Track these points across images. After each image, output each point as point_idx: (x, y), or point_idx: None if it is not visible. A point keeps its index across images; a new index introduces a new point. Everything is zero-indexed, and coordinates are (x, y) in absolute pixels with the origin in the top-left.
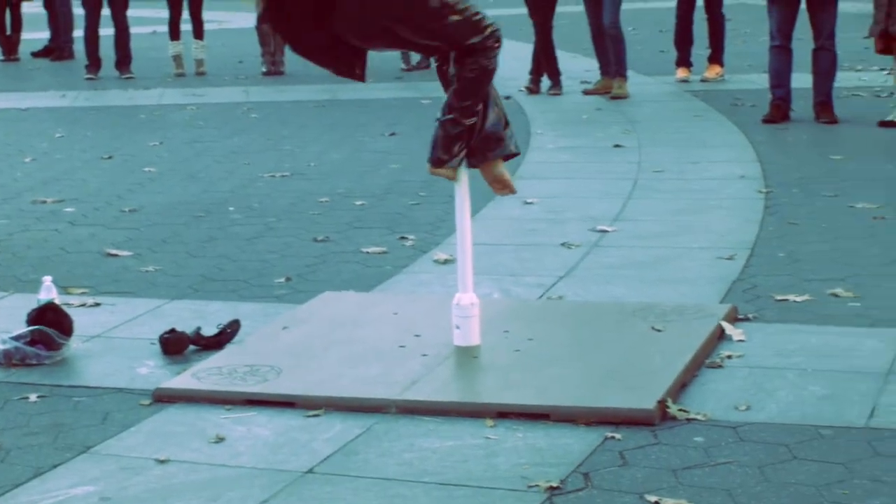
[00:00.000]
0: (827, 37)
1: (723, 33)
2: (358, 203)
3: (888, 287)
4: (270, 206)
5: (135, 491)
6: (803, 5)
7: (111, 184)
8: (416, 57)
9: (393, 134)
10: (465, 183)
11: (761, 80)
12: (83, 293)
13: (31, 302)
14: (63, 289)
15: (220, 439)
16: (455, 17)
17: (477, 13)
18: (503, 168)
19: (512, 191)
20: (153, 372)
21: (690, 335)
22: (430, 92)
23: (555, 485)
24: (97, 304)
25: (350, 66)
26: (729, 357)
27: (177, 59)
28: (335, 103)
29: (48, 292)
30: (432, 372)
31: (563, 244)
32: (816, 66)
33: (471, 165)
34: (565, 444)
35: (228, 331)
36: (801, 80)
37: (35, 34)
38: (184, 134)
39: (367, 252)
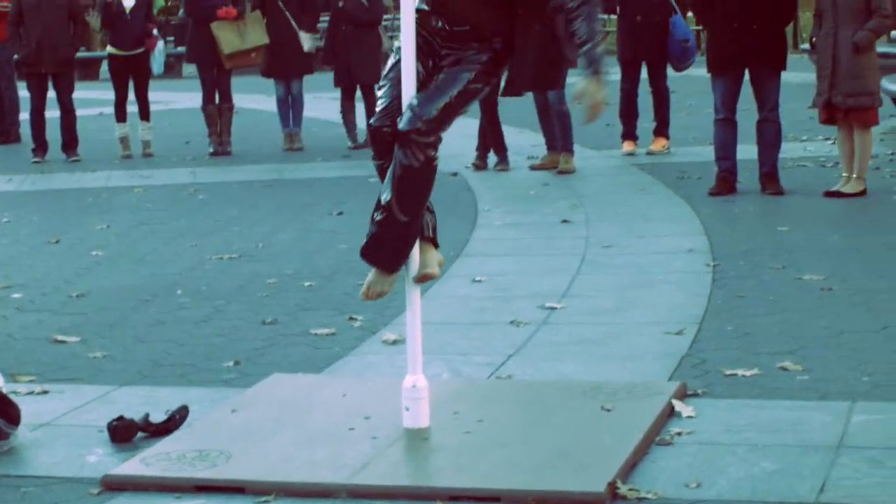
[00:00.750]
0: (771, 108)
1: (667, 106)
2: (306, 284)
3: (836, 359)
4: (218, 288)
5: None
6: (747, 77)
7: (58, 268)
8: (362, 135)
9: (340, 213)
10: (414, 263)
11: (707, 153)
12: (31, 381)
13: None
14: (10, 376)
15: None
16: None
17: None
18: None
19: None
20: (102, 460)
21: (640, 414)
22: None
23: None
24: (45, 392)
25: None
26: (679, 434)
27: (123, 140)
28: (282, 183)
29: None
30: (382, 455)
31: (511, 322)
32: (761, 137)
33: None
34: None
35: (177, 417)
36: (747, 151)
37: None
38: (131, 216)
39: (316, 334)
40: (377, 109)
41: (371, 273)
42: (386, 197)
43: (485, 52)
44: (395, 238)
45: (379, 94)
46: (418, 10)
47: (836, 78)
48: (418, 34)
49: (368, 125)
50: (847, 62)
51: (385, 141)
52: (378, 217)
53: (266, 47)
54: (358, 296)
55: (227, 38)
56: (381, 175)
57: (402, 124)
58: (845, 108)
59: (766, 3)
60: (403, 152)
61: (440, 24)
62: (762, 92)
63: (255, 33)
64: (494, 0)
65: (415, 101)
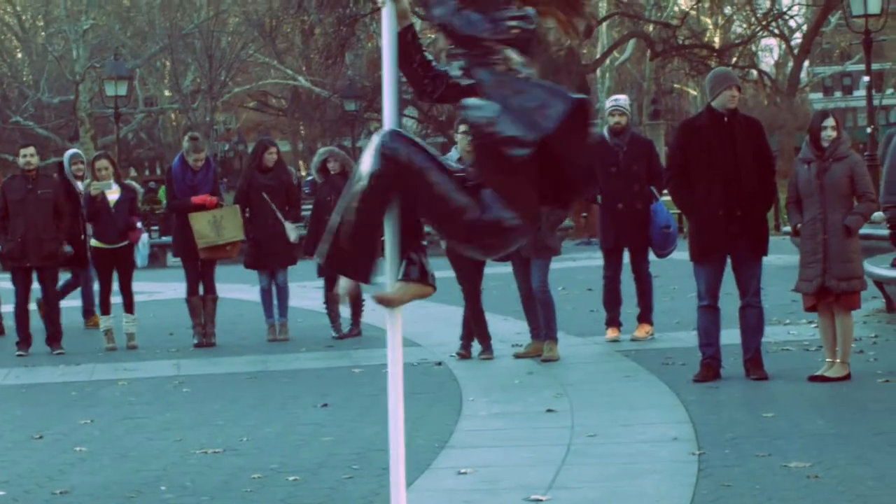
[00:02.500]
0: (753, 294)
1: (650, 292)
2: (291, 479)
3: None
4: (203, 484)
5: None
6: (729, 263)
7: (42, 465)
8: (346, 324)
9: (325, 405)
10: (400, 459)
11: (691, 338)
12: None
13: None
14: None
15: None
16: None
17: None
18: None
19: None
20: None
21: None
22: (362, 360)
23: None
24: None
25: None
26: None
27: (108, 333)
28: (267, 374)
29: None
30: None
31: None
32: (744, 323)
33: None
34: None
35: None
36: (731, 335)
37: None
38: (115, 411)
39: None
40: None
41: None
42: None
43: None
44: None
45: None
46: None
47: (828, 262)
48: None
49: None
50: (839, 246)
51: None
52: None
53: (250, 240)
54: (343, 490)
55: (203, 230)
56: None
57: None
58: (837, 292)
59: (746, 190)
60: None
61: None
62: (744, 278)
63: (230, 228)
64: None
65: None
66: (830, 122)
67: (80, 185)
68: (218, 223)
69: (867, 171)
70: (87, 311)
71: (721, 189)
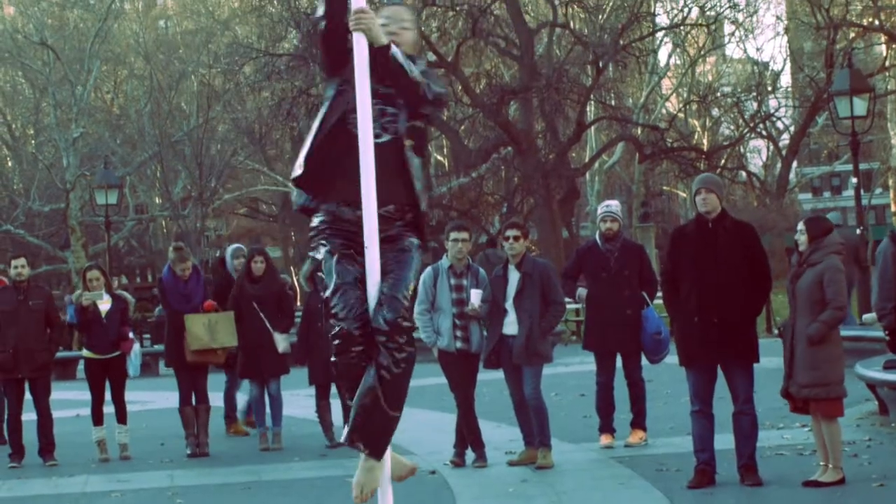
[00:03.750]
0: (744, 401)
1: (644, 397)
2: None
3: None
4: None
5: None
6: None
7: None
8: (339, 433)
9: None
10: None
11: (685, 443)
12: None
13: None
14: None
15: None
16: None
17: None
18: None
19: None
20: None
21: None
22: (355, 469)
23: None
24: None
25: None
26: None
27: (101, 444)
28: (260, 484)
29: None
30: None
31: None
32: (737, 429)
33: None
34: None
35: None
36: (725, 440)
37: None
38: None
39: None
40: (339, 316)
41: (358, 471)
42: (370, 383)
43: (409, 228)
44: (381, 424)
45: (334, 303)
46: (331, 214)
47: (793, 369)
48: (340, 236)
49: (338, 331)
50: (803, 353)
51: (354, 343)
52: (364, 402)
53: (241, 349)
54: None
55: (198, 333)
56: (346, 392)
57: (387, 315)
58: (802, 399)
59: (725, 296)
60: (388, 350)
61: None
62: (733, 385)
63: (224, 333)
64: (402, 178)
65: (388, 290)
66: (801, 227)
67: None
68: (213, 327)
69: (840, 278)
70: (229, 417)
71: (698, 295)
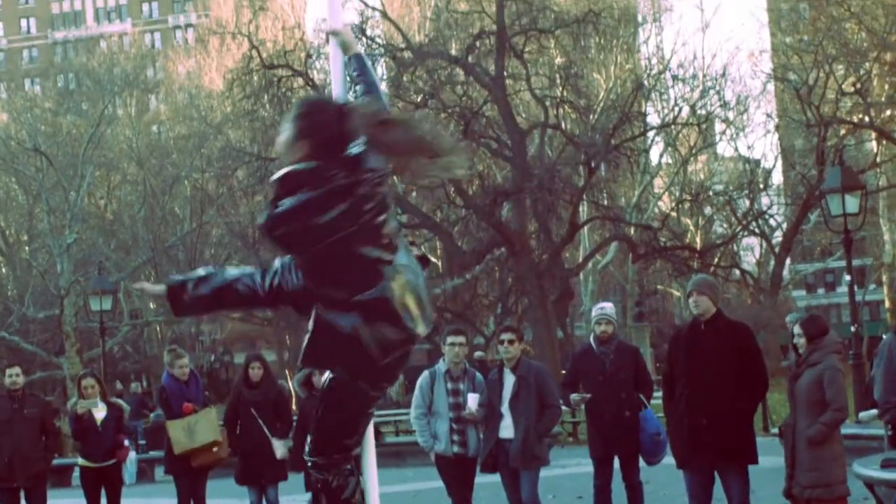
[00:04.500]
0: None
1: (641, 501)
2: None
3: None
4: None
5: None
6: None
7: None
8: None
9: None
10: None
11: None
12: None
13: None
14: None
15: None
16: None
17: None
18: None
19: None
20: None
21: None
22: None
23: None
24: None
25: None
26: None
27: None
28: None
29: None
30: None
31: None
32: None
33: None
34: None
35: None
36: None
37: None
38: None
39: None
40: None
41: None
42: None
43: None
44: None
45: None
46: None
47: (795, 469)
48: None
49: None
50: (804, 454)
51: None
52: None
53: (239, 455)
54: None
55: (177, 437)
56: None
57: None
58: (805, 500)
59: (715, 398)
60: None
61: None
62: (727, 487)
63: (203, 431)
64: None
65: None
66: (797, 329)
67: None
68: (191, 428)
69: (839, 379)
70: None
71: (688, 396)
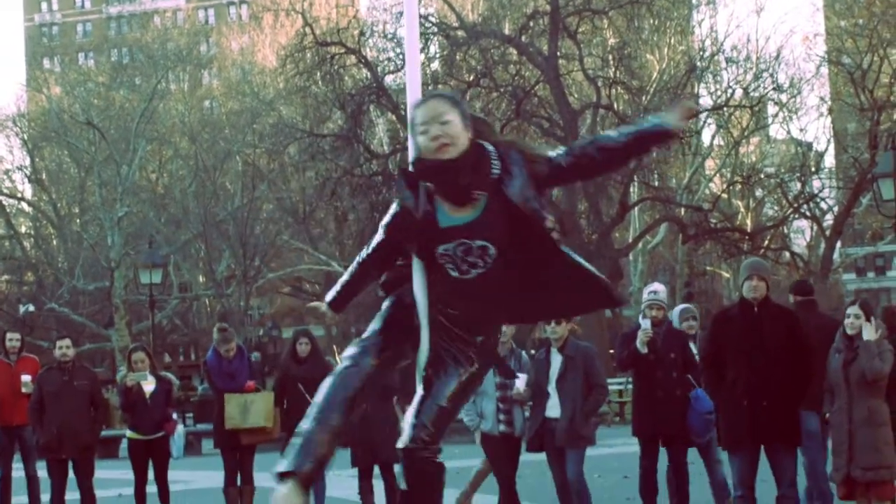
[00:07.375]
0: (788, 485)
1: (687, 484)
2: None
3: None
4: None
5: None
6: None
7: None
8: None
9: None
10: None
11: None
12: None
13: None
14: None
15: None
16: None
17: None
18: None
19: None
20: None
21: None
22: None
23: None
24: None
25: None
26: None
27: None
28: None
29: None
30: None
31: None
32: None
33: None
34: None
35: None
36: None
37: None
38: None
39: None
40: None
41: None
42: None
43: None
44: None
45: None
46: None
47: (854, 452)
48: (440, 346)
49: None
50: (864, 436)
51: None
52: None
53: (288, 431)
54: None
55: (231, 412)
56: None
57: (406, 440)
58: (865, 482)
59: (773, 380)
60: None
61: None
62: (778, 469)
63: (256, 414)
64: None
65: (414, 414)
66: (854, 310)
67: None
68: (247, 407)
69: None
70: None
71: (746, 379)
